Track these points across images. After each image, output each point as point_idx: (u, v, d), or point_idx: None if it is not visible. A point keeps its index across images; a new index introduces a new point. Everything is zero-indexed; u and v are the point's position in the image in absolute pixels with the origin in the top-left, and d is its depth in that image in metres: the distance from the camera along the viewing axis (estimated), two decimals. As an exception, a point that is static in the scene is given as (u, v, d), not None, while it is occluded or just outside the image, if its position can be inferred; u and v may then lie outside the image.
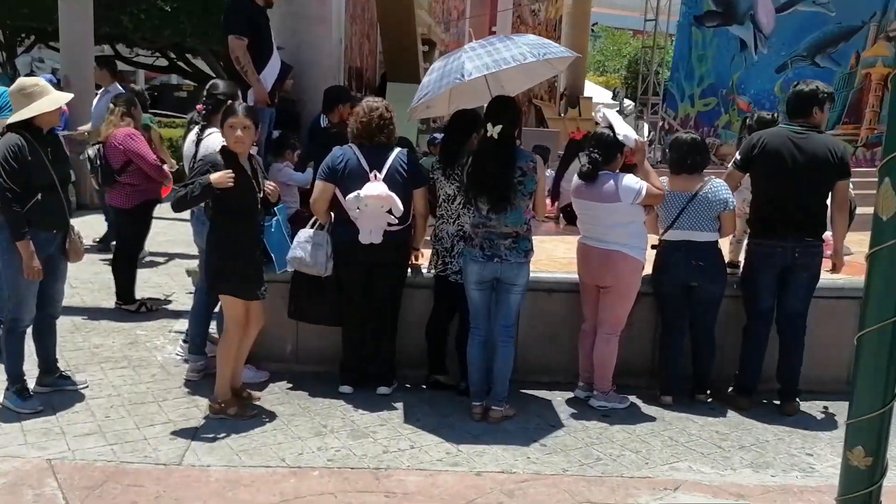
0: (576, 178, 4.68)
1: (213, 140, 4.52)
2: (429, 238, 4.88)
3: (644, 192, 4.47)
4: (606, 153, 4.54)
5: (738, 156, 4.88)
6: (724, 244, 5.11)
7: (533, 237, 4.45)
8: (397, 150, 4.61)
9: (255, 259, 4.30)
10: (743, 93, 13.00)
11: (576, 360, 4.96)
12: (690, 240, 4.74)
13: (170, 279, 7.36)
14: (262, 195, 4.24)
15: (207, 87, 4.89)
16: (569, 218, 6.64)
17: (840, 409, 4.80)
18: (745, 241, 5.05)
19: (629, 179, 4.50)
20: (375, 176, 4.48)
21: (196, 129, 4.74)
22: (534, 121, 15.01)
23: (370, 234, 4.52)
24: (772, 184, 4.71)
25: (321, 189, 4.59)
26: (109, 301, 6.40)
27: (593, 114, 5.05)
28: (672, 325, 4.89)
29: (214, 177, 4.00)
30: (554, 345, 5.12)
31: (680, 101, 12.83)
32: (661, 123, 12.95)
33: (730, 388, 4.99)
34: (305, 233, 4.69)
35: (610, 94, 21.75)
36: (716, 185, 4.72)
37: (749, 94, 13.09)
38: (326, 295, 4.78)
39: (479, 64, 4.24)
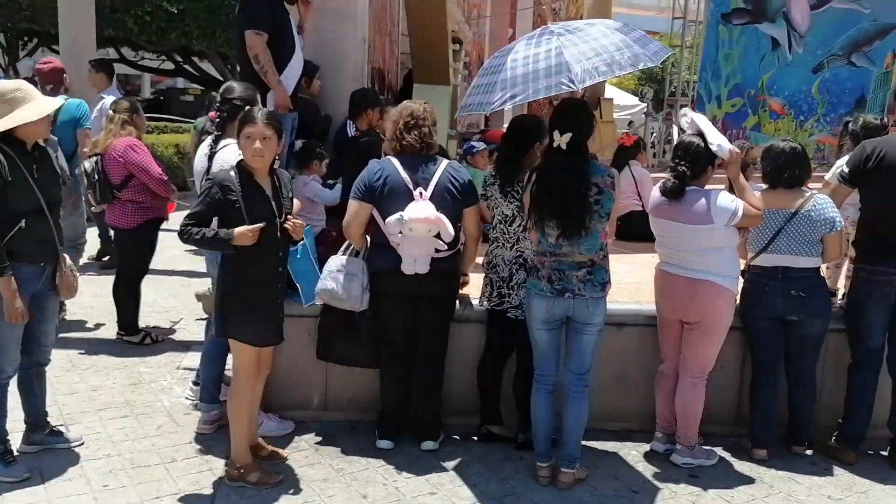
0: (656, 193, 3.92)
1: (229, 154, 3.77)
2: (479, 262, 4.13)
3: (741, 213, 3.71)
4: (695, 165, 3.78)
5: (845, 168, 4.11)
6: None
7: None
8: (444, 162, 3.85)
9: (275, 299, 3.55)
10: (776, 94, 12.19)
11: (651, 406, 4.21)
12: (789, 265, 3.98)
13: (176, 301, 6.61)
14: (283, 220, 3.47)
15: (221, 90, 4.12)
16: (619, 232, 5.90)
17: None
18: (845, 267, 4.29)
19: (724, 198, 3.73)
20: (421, 194, 3.73)
21: (209, 139, 3.98)
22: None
23: (415, 262, 3.77)
24: (889, 201, 3.95)
25: (356, 210, 3.83)
26: (110, 330, 5.65)
27: (679, 118, 4.37)
28: (766, 365, 4.13)
29: (238, 232, 3.28)
30: (624, 387, 4.36)
31: (707, 102, 12.01)
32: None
33: (833, 438, 4.23)
34: (337, 261, 3.94)
35: (631, 95, 20.93)
36: (821, 201, 3.96)
37: (783, 95, 12.29)
38: (361, 333, 4.04)
39: (589, 66, 3.39)
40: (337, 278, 3.90)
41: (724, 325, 3.90)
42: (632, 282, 4.87)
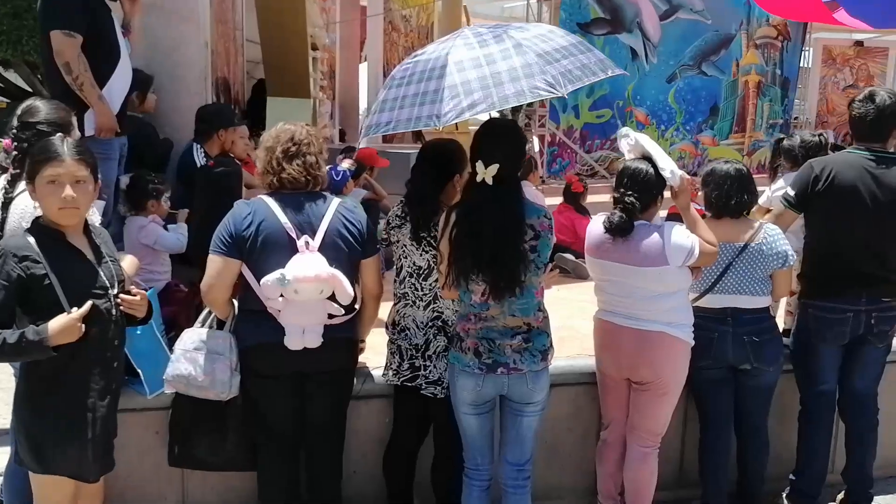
0: (596, 229, 3.23)
1: (25, 205, 2.68)
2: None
3: (697, 250, 3.09)
4: (645, 195, 3.11)
5: (790, 190, 3.61)
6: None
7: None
8: (334, 200, 2.95)
9: (109, 410, 2.53)
10: (640, 104, 12.16)
11: (589, 481, 3.53)
12: (739, 306, 3.42)
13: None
14: (112, 304, 2.46)
15: (21, 110, 2.98)
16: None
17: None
18: (784, 301, 3.82)
19: (679, 233, 3.10)
20: (307, 244, 2.81)
21: (1, 181, 2.86)
22: (410, 135, 13.53)
23: (303, 334, 2.84)
24: (842, 228, 3.49)
25: (219, 269, 2.85)
26: None
27: (619, 139, 3.78)
28: (716, 421, 3.56)
29: (57, 326, 2.25)
30: (555, 460, 3.65)
31: (562, 111, 11.75)
32: (547, 136, 11.82)
33: (784, 495, 3.74)
34: (194, 335, 2.95)
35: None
36: (772, 233, 3.43)
37: (646, 105, 12.29)
38: (230, 428, 3.07)
39: (567, 68, 2.68)
40: (194, 359, 2.91)
41: (680, 383, 3.27)
42: (567, 328, 4.15)
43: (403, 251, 3.07)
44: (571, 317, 4.35)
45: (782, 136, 4.45)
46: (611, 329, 3.26)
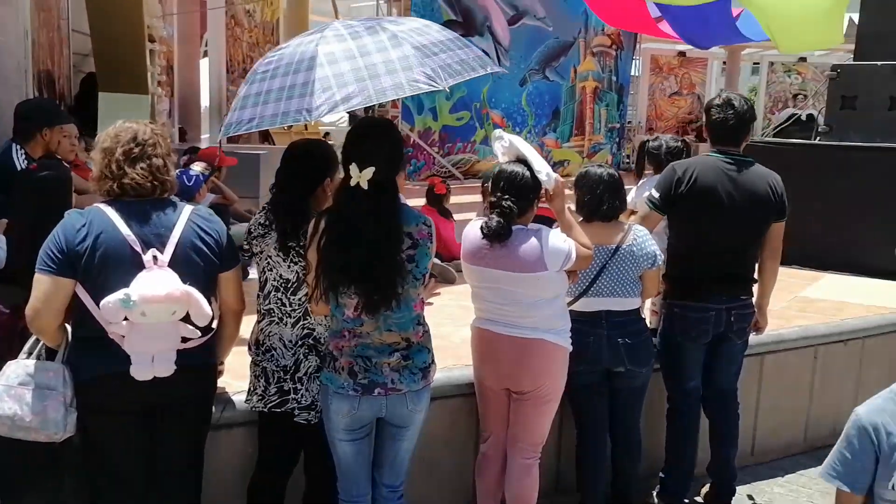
0: (472, 234, 3.07)
1: None
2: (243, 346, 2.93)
3: (574, 254, 3.02)
4: (522, 200, 3.00)
5: (654, 193, 3.63)
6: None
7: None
8: (187, 207, 2.61)
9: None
10: (495, 106, 12.29)
11: (468, 497, 3.38)
12: (612, 309, 3.40)
13: None
14: None
15: None
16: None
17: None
18: (649, 301, 3.86)
19: (556, 237, 3.00)
20: (155, 259, 2.46)
21: None
22: (257, 135, 12.94)
23: (152, 362, 2.49)
24: (703, 229, 3.56)
25: (49, 289, 2.42)
26: None
27: (493, 141, 3.60)
28: (593, 426, 3.52)
29: None
30: (433, 476, 3.46)
31: (417, 113, 11.65)
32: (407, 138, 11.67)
33: (655, 493, 3.78)
34: (18, 368, 2.52)
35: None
36: (641, 234, 3.43)
37: (501, 107, 12.44)
38: (64, 472, 2.65)
39: (447, 62, 2.50)
40: (20, 396, 2.47)
41: (560, 391, 3.19)
42: (439, 336, 3.97)
43: (268, 263, 2.77)
44: (441, 324, 4.18)
45: (646, 139, 4.50)
46: (490, 338, 3.12)
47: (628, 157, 17.26)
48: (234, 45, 12.23)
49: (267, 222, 2.76)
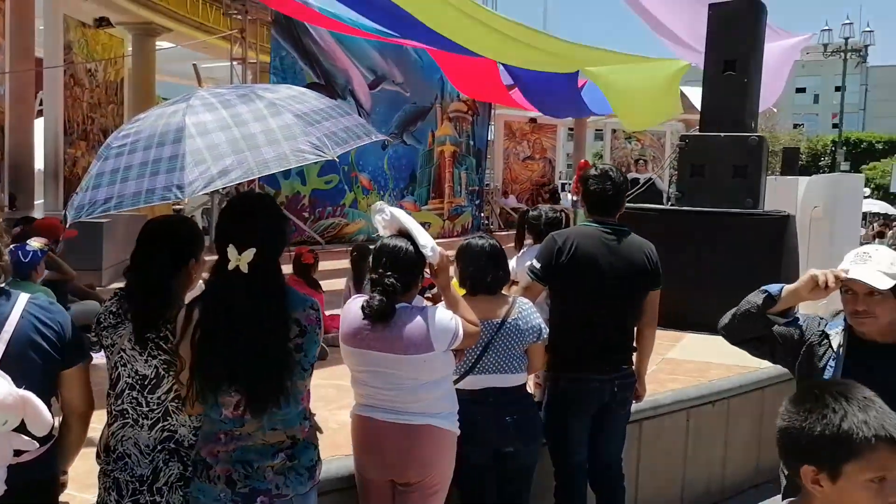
0: (355, 317, 2.86)
1: None
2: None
3: (462, 332, 2.87)
4: (406, 276, 2.83)
5: (536, 263, 3.58)
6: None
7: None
8: (22, 296, 2.24)
9: None
10: (362, 169, 12.20)
11: None
12: (499, 386, 3.27)
13: None
14: None
15: None
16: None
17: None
18: (538, 375, 3.78)
19: (442, 314, 2.85)
20: (-19, 359, 2.08)
21: None
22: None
23: (-25, 482, 2.08)
24: (584, 299, 3.54)
25: None
26: None
27: (373, 214, 3.38)
28: (480, 513, 3.34)
29: None
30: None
31: (284, 178, 11.33)
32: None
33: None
34: None
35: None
36: (525, 307, 3.35)
37: (368, 171, 12.37)
38: None
39: (343, 126, 2.28)
40: None
41: (448, 479, 2.99)
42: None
43: (121, 357, 2.42)
44: (314, 408, 3.88)
45: (527, 209, 4.50)
46: (372, 427, 2.89)
47: (488, 218, 17.69)
48: (74, 105, 11.49)
49: (120, 311, 2.43)
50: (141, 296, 2.38)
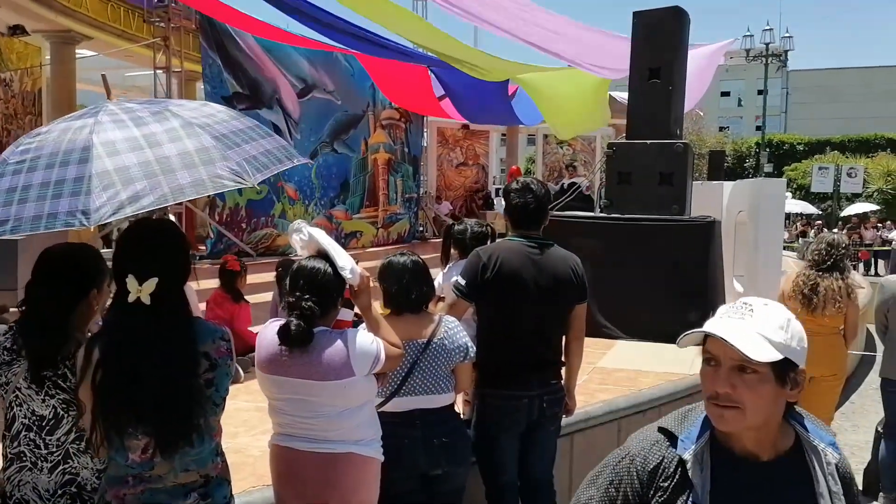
0: (271, 342, 2.75)
1: None
2: None
3: (384, 355, 2.79)
4: (325, 299, 2.74)
5: (460, 280, 3.53)
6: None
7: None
8: None
9: None
10: (289, 180, 11.95)
11: None
12: (426, 407, 3.20)
13: None
14: None
15: None
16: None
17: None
18: (466, 393, 3.72)
19: (363, 338, 2.76)
20: None
21: None
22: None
23: None
24: (510, 314, 3.50)
25: None
26: None
27: (290, 234, 3.23)
28: (410, 538, 3.25)
29: None
30: None
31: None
32: (216, 216, 10.93)
33: None
34: None
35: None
36: (451, 325, 3.29)
37: (294, 180, 12.12)
38: None
39: (263, 150, 2.17)
40: None
41: (372, 509, 2.90)
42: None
43: (16, 397, 2.26)
44: (236, 434, 3.77)
45: (453, 223, 4.44)
46: (290, 457, 2.78)
47: (422, 225, 17.62)
48: (-12, 116, 11.01)
49: (14, 347, 2.26)
50: (36, 331, 2.23)
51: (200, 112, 2.42)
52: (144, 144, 2.21)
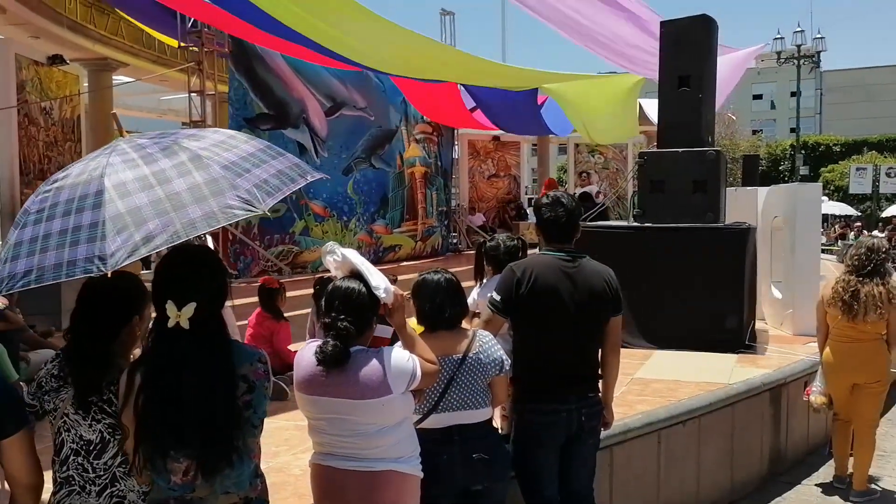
0: (309, 363, 2.78)
1: None
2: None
3: (420, 372, 2.81)
4: (360, 319, 2.77)
5: (495, 295, 3.53)
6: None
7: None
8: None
9: None
10: (315, 197, 12.05)
11: None
12: (464, 423, 3.20)
13: None
14: None
15: None
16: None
17: None
18: (504, 408, 3.72)
19: (399, 356, 2.79)
20: None
21: None
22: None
23: None
24: (546, 329, 3.50)
25: None
26: None
27: (324, 255, 3.28)
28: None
29: None
30: None
31: (236, 210, 11.26)
32: (228, 234, 11.11)
33: None
34: None
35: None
36: (486, 340, 3.29)
37: (322, 198, 12.22)
38: None
39: (264, 178, 2.21)
40: None
41: (413, 526, 2.91)
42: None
43: (64, 423, 2.32)
44: (277, 453, 3.81)
45: (485, 239, 4.45)
46: (332, 475, 2.81)
47: (455, 237, 17.67)
48: (29, 144, 11.30)
49: (61, 374, 2.33)
50: (81, 359, 2.29)
51: (211, 141, 2.43)
52: (154, 182, 2.22)
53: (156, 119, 19.15)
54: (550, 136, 19.60)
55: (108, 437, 2.29)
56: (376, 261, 13.25)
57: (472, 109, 15.33)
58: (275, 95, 11.58)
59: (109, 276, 2.25)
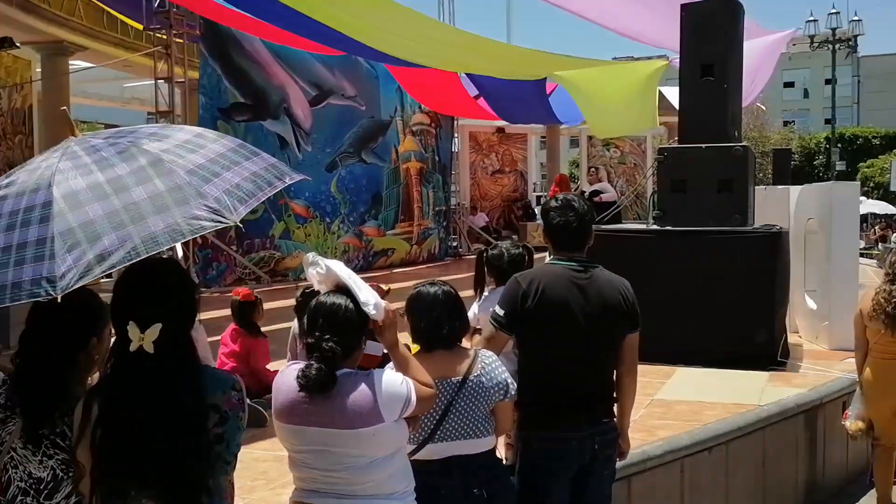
0: (289, 388, 2.75)
1: None
2: None
3: (414, 397, 2.78)
4: (347, 338, 2.73)
5: (499, 310, 3.51)
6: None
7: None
8: None
9: None
10: (297, 196, 12.01)
11: None
12: (464, 453, 3.17)
13: None
14: None
15: None
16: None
17: None
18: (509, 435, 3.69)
19: (391, 379, 2.75)
20: None
21: None
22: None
23: None
24: (555, 347, 3.47)
25: None
26: None
27: (307, 267, 3.23)
28: None
29: None
30: None
31: (211, 212, 11.22)
32: (198, 238, 11.11)
33: None
34: None
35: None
36: (488, 361, 3.26)
37: (304, 196, 12.18)
38: None
39: (243, 181, 2.18)
40: None
41: (407, 569, 2.88)
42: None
43: (11, 459, 2.28)
44: (254, 488, 3.77)
45: (484, 247, 4.42)
46: (316, 514, 2.77)
47: (455, 240, 17.61)
48: (-24, 137, 11.29)
49: (8, 403, 2.29)
50: (31, 387, 2.25)
51: (175, 141, 2.36)
52: (110, 191, 2.15)
53: (119, 108, 19.11)
54: (561, 127, 19.56)
55: (61, 474, 2.26)
56: (366, 266, 13.20)
57: (477, 97, 15.30)
58: (252, 83, 11.54)
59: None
